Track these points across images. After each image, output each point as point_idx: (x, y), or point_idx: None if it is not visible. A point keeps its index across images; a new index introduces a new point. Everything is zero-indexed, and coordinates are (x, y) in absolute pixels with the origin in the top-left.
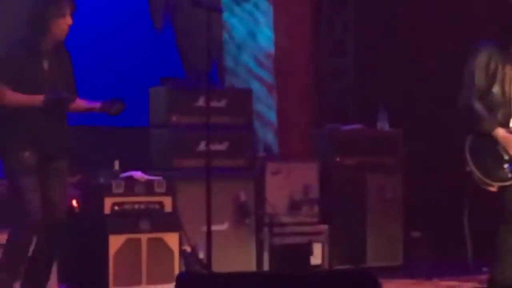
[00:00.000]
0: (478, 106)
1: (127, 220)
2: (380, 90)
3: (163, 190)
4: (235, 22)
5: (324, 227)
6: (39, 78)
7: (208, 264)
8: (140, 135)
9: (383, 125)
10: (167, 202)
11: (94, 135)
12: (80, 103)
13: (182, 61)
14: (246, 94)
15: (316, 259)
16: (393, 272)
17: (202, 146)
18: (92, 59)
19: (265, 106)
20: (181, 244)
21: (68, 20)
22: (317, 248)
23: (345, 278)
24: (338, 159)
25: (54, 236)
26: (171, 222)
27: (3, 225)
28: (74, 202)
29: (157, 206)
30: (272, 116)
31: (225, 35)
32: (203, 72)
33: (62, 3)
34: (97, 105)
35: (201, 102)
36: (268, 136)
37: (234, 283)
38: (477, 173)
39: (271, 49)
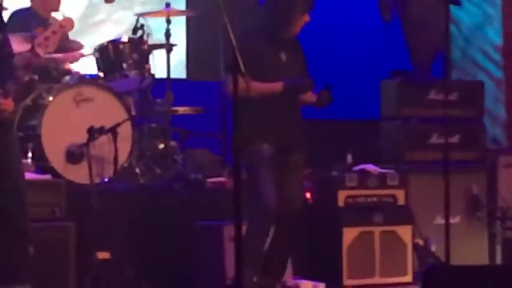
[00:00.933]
0: None
1: (360, 213)
2: None
3: (396, 183)
4: (462, 15)
5: None
6: (278, 69)
7: (446, 257)
8: (371, 128)
9: None
10: (400, 195)
11: (326, 128)
12: (309, 95)
13: (410, 53)
14: (477, 87)
15: None
16: None
17: (433, 139)
18: (324, 52)
19: (493, 100)
20: (413, 237)
21: (307, 17)
22: None
23: None
24: None
25: (291, 229)
26: (404, 215)
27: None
28: (308, 195)
29: (390, 199)
30: (500, 111)
31: (453, 28)
32: (430, 65)
33: (308, 1)
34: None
35: (432, 95)
36: (495, 130)
37: (478, 276)
38: None
39: (500, 42)
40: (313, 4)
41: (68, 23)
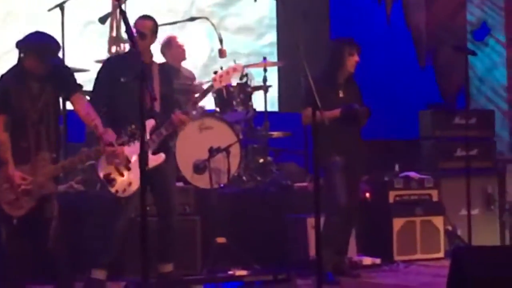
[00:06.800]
0: None
1: (405, 208)
2: None
3: (431, 185)
4: (476, 62)
5: None
6: (337, 102)
7: (469, 239)
8: (412, 145)
9: None
10: (434, 194)
11: (380, 146)
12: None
13: (440, 90)
14: (490, 115)
15: None
16: None
17: (458, 153)
18: (376, 90)
19: (500, 125)
20: (445, 224)
21: (356, 58)
22: None
23: None
24: None
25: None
26: (438, 209)
27: None
28: (367, 195)
29: (427, 197)
30: (505, 133)
31: (470, 71)
32: (455, 99)
33: (352, 45)
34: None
35: (457, 120)
36: (502, 147)
37: (492, 253)
38: None
39: (505, 82)
40: (359, 47)
41: (239, 67)
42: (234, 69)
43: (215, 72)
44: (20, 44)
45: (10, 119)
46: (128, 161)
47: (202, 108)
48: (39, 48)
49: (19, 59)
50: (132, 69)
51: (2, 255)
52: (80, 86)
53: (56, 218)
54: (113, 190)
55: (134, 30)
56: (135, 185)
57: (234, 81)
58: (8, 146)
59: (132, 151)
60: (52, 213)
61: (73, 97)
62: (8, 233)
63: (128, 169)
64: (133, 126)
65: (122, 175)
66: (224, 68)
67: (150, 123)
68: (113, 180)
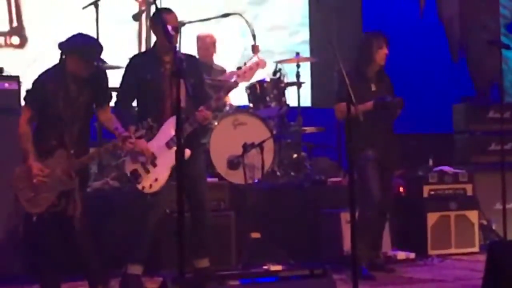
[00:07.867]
0: None
1: (440, 202)
2: None
3: (465, 179)
4: (510, 55)
5: None
6: (369, 96)
7: (504, 233)
8: (446, 139)
9: None
10: (469, 188)
11: (414, 140)
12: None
13: (474, 84)
14: None
15: None
16: None
17: (492, 147)
18: (409, 85)
19: None
20: (479, 218)
21: (385, 50)
22: None
23: None
24: None
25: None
26: (472, 203)
27: None
28: (401, 189)
29: (461, 191)
30: None
31: (503, 65)
32: (489, 92)
33: (380, 38)
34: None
35: (491, 114)
36: None
37: None
38: None
39: None
40: (387, 39)
41: (262, 62)
42: (257, 64)
43: (239, 68)
44: (63, 46)
45: (38, 115)
46: (155, 157)
47: (231, 104)
48: (84, 50)
49: (61, 60)
50: (156, 66)
51: (36, 252)
52: (111, 96)
53: (80, 215)
54: (139, 186)
55: (170, 27)
56: (162, 181)
57: (268, 77)
58: (28, 138)
59: (158, 148)
60: (73, 211)
61: (102, 108)
62: (28, 231)
63: (154, 165)
64: (149, 120)
65: (148, 171)
66: (248, 64)
67: (173, 119)
68: (139, 176)
